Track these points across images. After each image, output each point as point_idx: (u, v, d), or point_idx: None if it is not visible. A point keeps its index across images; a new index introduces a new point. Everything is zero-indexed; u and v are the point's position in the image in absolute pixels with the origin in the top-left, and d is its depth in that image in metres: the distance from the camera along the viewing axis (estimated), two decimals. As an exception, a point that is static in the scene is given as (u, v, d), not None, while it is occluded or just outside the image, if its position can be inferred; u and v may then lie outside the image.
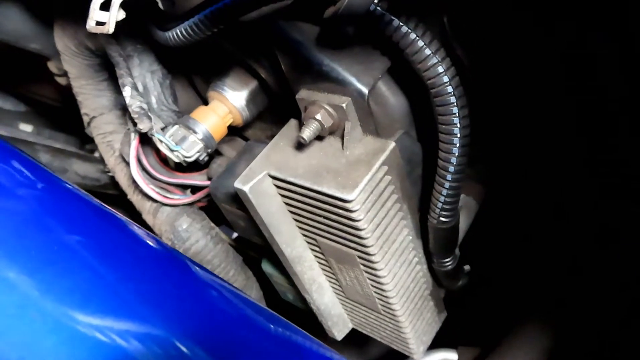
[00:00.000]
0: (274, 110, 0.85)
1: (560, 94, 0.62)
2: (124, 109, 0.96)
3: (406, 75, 0.65)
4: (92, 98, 0.94)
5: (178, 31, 0.63)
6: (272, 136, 0.90)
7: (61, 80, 1.08)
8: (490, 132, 0.69)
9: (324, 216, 0.65)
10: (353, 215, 0.61)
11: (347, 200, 0.59)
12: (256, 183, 0.66)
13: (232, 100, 0.79)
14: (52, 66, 1.07)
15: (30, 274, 0.49)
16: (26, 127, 1.71)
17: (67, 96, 1.30)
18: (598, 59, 0.56)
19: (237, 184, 0.67)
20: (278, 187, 0.68)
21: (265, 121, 0.88)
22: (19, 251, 0.51)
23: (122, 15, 0.58)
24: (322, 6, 0.55)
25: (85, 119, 0.96)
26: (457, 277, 0.81)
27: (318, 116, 0.62)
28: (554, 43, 0.58)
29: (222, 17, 0.58)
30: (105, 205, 0.68)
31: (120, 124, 0.95)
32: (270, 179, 0.67)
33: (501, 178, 0.77)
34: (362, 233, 0.63)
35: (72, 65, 0.92)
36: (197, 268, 0.66)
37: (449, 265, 0.75)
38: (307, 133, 0.61)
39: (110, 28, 0.56)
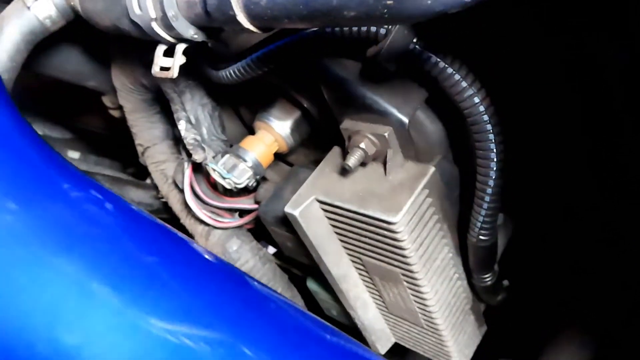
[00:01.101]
0: (316, 137, 0.90)
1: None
2: (175, 139, 1.03)
3: (441, 104, 0.70)
4: (145, 130, 1.01)
5: (231, 71, 0.69)
6: (315, 161, 0.97)
7: (115, 113, 1.16)
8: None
9: (369, 237, 0.70)
10: (397, 236, 0.66)
11: (392, 223, 0.64)
12: (305, 207, 0.71)
13: (277, 129, 0.84)
14: (106, 101, 1.15)
15: (117, 290, 0.55)
16: (74, 154, 1.81)
17: (113, 125, 1.40)
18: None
19: (288, 209, 0.72)
20: (325, 210, 0.73)
21: (308, 147, 0.94)
22: (108, 271, 0.58)
23: (183, 60, 0.64)
24: (364, 45, 0.61)
25: (140, 149, 1.04)
26: (497, 292, 0.84)
27: (362, 145, 0.67)
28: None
29: (272, 58, 0.64)
30: (169, 225, 0.75)
31: (171, 153, 1.01)
32: (318, 203, 0.72)
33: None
34: (405, 252, 0.68)
35: (127, 101, 0.99)
36: (255, 282, 0.71)
37: (489, 280, 0.78)
38: (353, 161, 0.66)
39: (174, 73, 0.63)
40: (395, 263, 0.71)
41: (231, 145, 0.92)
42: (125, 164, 1.83)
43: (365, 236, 0.70)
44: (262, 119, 0.85)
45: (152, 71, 0.66)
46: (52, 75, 1.04)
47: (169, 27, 0.59)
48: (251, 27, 0.51)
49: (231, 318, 0.64)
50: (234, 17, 0.50)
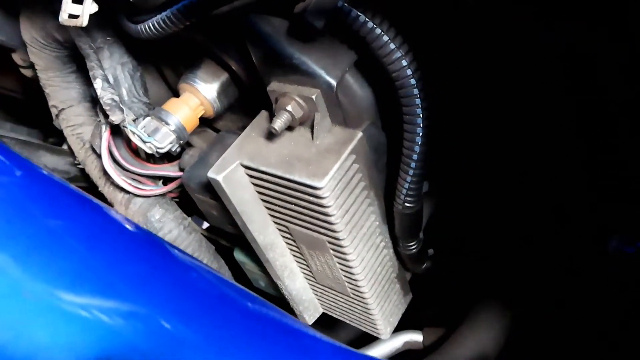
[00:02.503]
0: (245, 102, 0.87)
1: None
2: (93, 101, 0.97)
3: (372, 68, 0.68)
4: (60, 90, 0.93)
5: (150, 24, 0.64)
6: (244, 127, 0.93)
7: (27, 72, 1.07)
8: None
9: (295, 204, 0.68)
10: (323, 202, 0.64)
11: (318, 188, 0.62)
12: (229, 173, 0.69)
13: (203, 92, 0.80)
14: (17, 58, 1.05)
15: (17, 259, 0.50)
16: (-14, 121, 1.67)
17: (29, 88, 1.29)
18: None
19: (211, 174, 0.69)
20: (251, 176, 0.70)
21: (236, 112, 0.90)
22: (6, 237, 0.52)
23: (94, 8, 0.59)
24: (292, 2, 0.58)
25: (54, 111, 0.96)
26: (422, 260, 0.85)
27: (289, 107, 0.64)
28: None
29: (194, 11, 0.60)
30: (83, 191, 0.70)
31: (89, 116, 0.95)
32: (243, 169, 0.70)
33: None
34: (331, 219, 0.66)
35: (39, 57, 0.91)
36: (176, 250, 0.68)
37: (414, 248, 0.79)
38: (279, 124, 0.64)
39: (84, 21, 0.57)
40: (322, 230, 0.70)
41: (154, 108, 0.87)
42: (46, 132, 1.71)
43: (292, 203, 0.69)
44: (187, 80, 0.81)
45: (60, 19, 0.60)
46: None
47: (76, -32, 0.54)
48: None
49: (148, 288, 0.60)
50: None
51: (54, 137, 1.66)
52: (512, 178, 0.77)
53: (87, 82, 0.96)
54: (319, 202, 0.65)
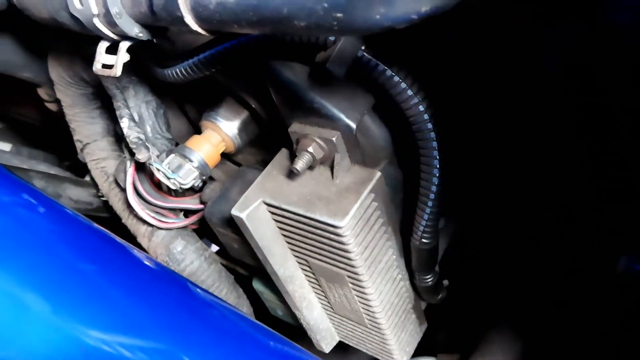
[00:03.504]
0: (263, 137, 0.90)
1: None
2: (116, 136, 1.00)
3: (387, 109, 0.71)
4: (85, 125, 0.97)
5: (177, 70, 0.68)
6: (262, 161, 0.96)
7: (51, 107, 1.11)
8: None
9: (315, 240, 0.71)
10: (343, 239, 0.66)
11: (338, 227, 0.65)
12: (252, 210, 0.71)
13: (224, 129, 0.83)
14: (42, 93, 1.09)
15: (45, 297, 0.52)
16: (5, 146, 1.71)
17: (48, 117, 1.33)
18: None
19: (235, 212, 0.71)
20: (273, 213, 0.72)
21: (256, 147, 0.93)
22: (35, 277, 0.55)
23: (127, 57, 0.62)
24: (313, 50, 0.61)
25: (78, 145, 0.99)
26: (437, 291, 0.87)
27: (310, 149, 0.67)
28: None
29: (220, 59, 0.63)
30: (104, 228, 0.72)
31: (112, 150, 0.98)
32: (265, 206, 0.72)
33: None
34: (351, 255, 0.69)
35: (65, 95, 0.95)
36: (198, 289, 0.70)
37: (430, 281, 0.81)
38: (300, 164, 0.67)
39: (117, 72, 0.60)
40: (341, 265, 0.72)
41: (177, 143, 0.90)
42: (61, 157, 1.75)
43: (312, 239, 0.71)
44: (209, 118, 0.84)
45: (94, 68, 0.63)
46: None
47: (112, 24, 0.57)
48: (199, 30, 0.50)
49: (170, 326, 0.62)
50: (181, 18, 0.49)
51: (68, 161, 1.70)
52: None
53: (111, 117, 1.00)
54: (339, 240, 0.67)
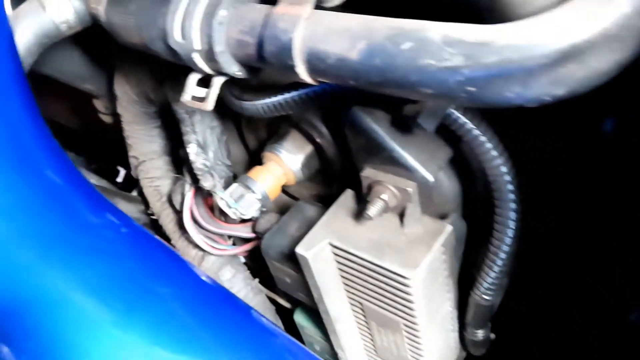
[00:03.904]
0: (321, 172, 0.90)
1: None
2: (172, 156, 1.01)
3: (459, 162, 0.72)
4: (143, 143, 0.98)
5: (262, 105, 0.68)
6: (316, 195, 0.97)
7: (106, 119, 1.12)
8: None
9: (377, 286, 0.70)
10: (410, 290, 0.66)
11: (408, 278, 0.65)
12: (317, 250, 0.71)
13: (288, 163, 0.84)
14: (99, 104, 1.11)
15: (121, 317, 0.53)
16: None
17: (83, 119, 1.34)
18: None
19: (300, 250, 0.71)
20: (336, 254, 0.72)
21: (311, 181, 0.93)
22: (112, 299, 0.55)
23: (218, 90, 0.63)
24: (401, 102, 0.62)
25: (133, 161, 1.00)
26: (485, 345, 0.86)
27: (384, 196, 0.67)
28: None
29: (309, 101, 0.64)
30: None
31: (167, 170, 0.99)
32: (330, 247, 0.72)
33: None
34: (414, 306, 0.68)
35: (127, 111, 0.96)
36: (263, 318, 0.70)
37: (481, 336, 0.80)
38: (373, 211, 0.67)
39: (210, 106, 0.61)
40: (400, 314, 0.72)
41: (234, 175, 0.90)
42: (89, 159, 1.76)
43: (374, 284, 0.71)
44: (272, 150, 0.84)
45: (182, 99, 0.64)
46: (47, 74, 0.99)
47: (211, 60, 0.58)
48: (308, 79, 0.51)
49: (238, 349, 0.62)
50: (291, 67, 0.50)
51: (95, 164, 1.71)
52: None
53: (168, 136, 1.01)
54: (405, 290, 0.67)
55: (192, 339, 0.58)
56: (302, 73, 0.50)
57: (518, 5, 0.40)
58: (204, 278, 0.69)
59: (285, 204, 0.98)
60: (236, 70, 0.59)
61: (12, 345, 0.51)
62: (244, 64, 0.58)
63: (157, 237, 0.68)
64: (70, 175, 0.61)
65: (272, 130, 0.92)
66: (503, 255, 0.66)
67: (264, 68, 0.58)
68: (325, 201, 0.88)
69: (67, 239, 0.53)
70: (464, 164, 0.74)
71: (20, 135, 0.56)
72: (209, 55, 0.58)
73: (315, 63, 0.48)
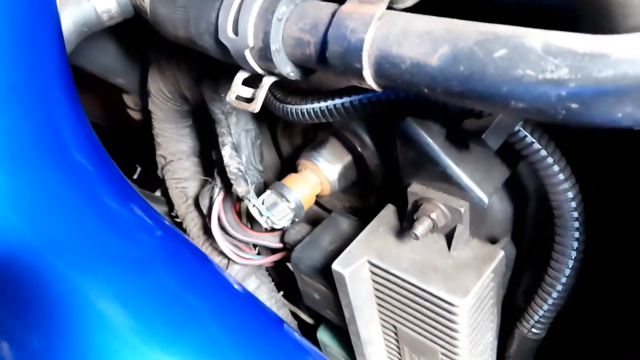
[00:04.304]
0: (358, 185, 0.86)
1: None
2: (199, 157, 0.97)
3: (513, 183, 0.67)
4: (172, 142, 0.94)
5: (308, 110, 0.64)
6: (349, 208, 0.92)
7: (135, 115, 1.09)
8: None
9: (418, 310, 0.66)
10: (456, 319, 0.62)
11: (456, 305, 0.60)
12: (355, 268, 0.67)
13: (325, 172, 0.79)
14: (128, 100, 1.07)
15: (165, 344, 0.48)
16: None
17: (106, 114, 1.31)
18: None
19: (336, 266, 0.67)
20: (374, 273, 0.68)
21: (345, 192, 0.89)
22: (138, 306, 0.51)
23: (265, 93, 0.59)
24: (463, 116, 0.57)
25: (161, 160, 0.97)
26: (523, 379, 0.81)
27: (433, 215, 0.63)
28: None
29: (362, 108, 0.60)
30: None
31: (195, 172, 0.95)
32: (369, 265, 0.68)
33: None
34: (457, 335, 0.64)
35: (159, 108, 0.92)
36: (294, 332, 0.66)
37: (521, 370, 0.75)
38: (421, 230, 0.62)
39: (257, 107, 0.57)
40: (440, 342, 0.67)
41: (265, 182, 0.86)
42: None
43: (414, 309, 0.66)
44: (310, 158, 0.80)
45: (228, 99, 0.60)
46: (78, 66, 0.96)
47: (264, 58, 0.54)
48: (372, 85, 0.47)
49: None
50: (358, 70, 0.46)
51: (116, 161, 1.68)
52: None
53: (199, 137, 0.97)
54: (450, 318, 0.62)
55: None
56: (368, 78, 0.46)
57: (631, 15, 0.36)
58: (236, 287, 0.65)
59: (315, 214, 0.94)
60: (290, 71, 0.55)
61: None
62: (299, 64, 0.54)
63: (188, 238, 0.64)
64: (105, 168, 0.57)
65: (308, 136, 0.88)
66: (560, 287, 0.61)
67: (319, 70, 0.54)
68: (358, 215, 0.84)
69: (102, 245, 0.49)
70: (519, 185, 0.69)
71: (59, 126, 0.52)
72: (262, 54, 0.54)
73: (385, 67, 0.44)
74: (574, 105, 0.35)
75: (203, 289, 0.56)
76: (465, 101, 0.41)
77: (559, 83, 0.34)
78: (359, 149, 0.78)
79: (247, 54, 0.55)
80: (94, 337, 0.44)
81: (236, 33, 0.54)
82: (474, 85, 0.39)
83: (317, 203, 0.95)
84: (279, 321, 0.65)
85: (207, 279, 0.59)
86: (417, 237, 0.62)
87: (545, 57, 0.35)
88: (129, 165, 1.78)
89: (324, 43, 0.48)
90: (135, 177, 1.75)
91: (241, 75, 0.60)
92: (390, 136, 0.67)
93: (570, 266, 0.59)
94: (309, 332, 0.95)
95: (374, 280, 0.69)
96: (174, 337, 0.47)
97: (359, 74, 0.46)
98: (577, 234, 0.58)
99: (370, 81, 0.47)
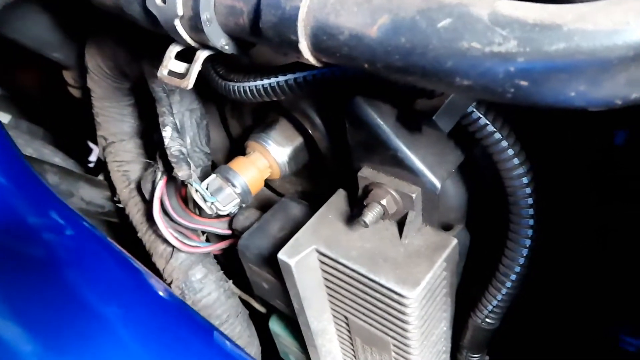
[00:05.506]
0: (310, 168, 0.82)
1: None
2: (143, 138, 0.91)
3: (469, 168, 0.64)
4: (114, 122, 0.88)
5: (250, 88, 0.59)
6: (301, 192, 0.88)
7: (75, 92, 1.01)
8: None
9: (369, 301, 0.62)
10: (406, 310, 0.58)
11: (406, 297, 0.57)
12: (302, 257, 0.63)
13: (274, 154, 0.75)
14: (68, 76, 1.00)
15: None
16: (4, 117, 1.60)
17: (54, 92, 1.23)
18: None
19: (282, 256, 0.63)
20: (323, 263, 0.64)
21: (297, 176, 0.85)
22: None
23: (199, 67, 0.54)
24: (413, 94, 0.53)
25: (102, 142, 0.90)
26: (477, 369, 0.79)
27: (383, 202, 0.59)
28: None
29: (307, 85, 0.55)
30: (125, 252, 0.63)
31: (138, 154, 0.89)
32: (317, 254, 0.64)
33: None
34: (409, 327, 0.61)
35: (98, 86, 0.86)
36: (229, 342, 0.61)
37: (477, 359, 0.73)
38: (371, 218, 0.58)
39: (190, 84, 0.52)
40: (391, 333, 0.64)
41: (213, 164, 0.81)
42: (57, 135, 1.64)
43: (364, 299, 0.63)
44: (258, 140, 0.75)
45: (159, 74, 0.55)
46: (13, 39, 0.88)
47: (195, 29, 0.49)
48: (310, 59, 0.43)
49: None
50: (294, 43, 0.41)
51: (65, 138, 1.59)
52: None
53: (141, 117, 0.91)
54: (400, 309, 0.59)
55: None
56: (305, 51, 0.41)
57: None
58: (161, 293, 0.60)
59: (266, 199, 0.90)
60: (224, 44, 0.49)
61: None
62: (234, 36, 0.49)
63: (107, 239, 0.58)
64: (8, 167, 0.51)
65: (259, 117, 0.83)
66: (514, 277, 0.59)
67: (257, 43, 0.49)
68: (311, 199, 0.80)
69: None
70: (473, 170, 0.66)
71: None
72: (193, 24, 0.48)
73: (322, 39, 0.40)
74: (523, 83, 0.31)
75: (117, 294, 0.50)
76: (408, 78, 0.37)
77: (507, 57, 0.31)
78: (310, 131, 0.74)
79: (177, 24, 0.49)
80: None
81: (165, 1, 0.49)
82: (416, 59, 0.35)
83: (268, 187, 0.91)
84: (209, 330, 0.60)
85: (125, 283, 0.53)
86: (366, 225, 0.59)
87: (492, 28, 0.31)
88: (85, 145, 1.69)
89: (257, 12, 0.43)
90: (94, 158, 1.67)
91: (174, 49, 0.55)
92: (340, 117, 0.63)
93: (524, 255, 0.57)
94: (261, 321, 0.91)
95: (323, 270, 0.66)
96: (74, 348, 0.42)
97: (295, 46, 0.41)
98: (531, 221, 0.55)
99: (307, 55, 0.42)
